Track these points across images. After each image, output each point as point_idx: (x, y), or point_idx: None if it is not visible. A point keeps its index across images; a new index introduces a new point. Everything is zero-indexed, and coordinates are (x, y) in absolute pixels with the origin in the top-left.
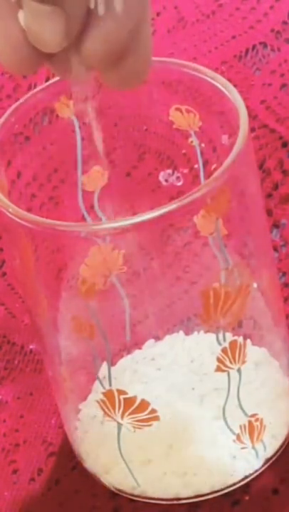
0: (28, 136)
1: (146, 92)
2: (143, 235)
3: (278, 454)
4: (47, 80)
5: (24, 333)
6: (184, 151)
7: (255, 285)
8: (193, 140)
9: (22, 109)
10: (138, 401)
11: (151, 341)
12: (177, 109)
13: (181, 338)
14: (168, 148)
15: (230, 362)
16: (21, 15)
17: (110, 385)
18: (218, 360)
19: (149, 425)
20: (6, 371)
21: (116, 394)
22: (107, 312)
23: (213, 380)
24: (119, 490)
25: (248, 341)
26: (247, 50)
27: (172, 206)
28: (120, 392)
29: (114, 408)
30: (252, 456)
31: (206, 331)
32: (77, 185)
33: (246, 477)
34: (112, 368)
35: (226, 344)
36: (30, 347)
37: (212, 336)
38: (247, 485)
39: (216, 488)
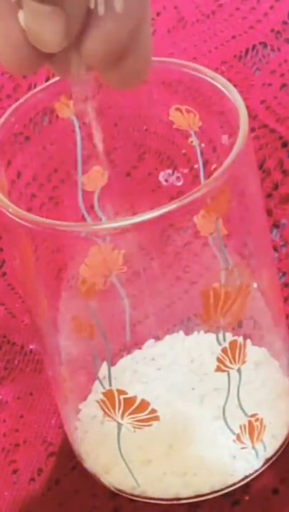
0: (28, 136)
1: (146, 92)
2: (143, 235)
3: (278, 454)
4: (47, 79)
5: (24, 333)
6: (184, 151)
7: (255, 285)
8: (193, 140)
9: (22, 109)
10: (138, 401)
11: (151, 341)
12: (177, 109)
13: (181, 338)
14: (168, 148)
15: (230, 362)
16: (21, 15)
17: (110, 385)
18: (218, 360)
19: (149, 425)
20: (6, 371)
21: (116, 394)
22: (107, 312)
23: (213, 380)
24: (119, 490)
25: (248, 341)
26: (247, 50)
27: (172, 206)
28: (120, 392)
29: (114, 408)
30: (252, 456)
31: (206, 331)
32: (77, 185)
33: (246, 477)
34: (112, 368)
35: (226, 344)
36: (30, 347)
37: (212, 336)
38: (247, 485)
39: (216, 488)
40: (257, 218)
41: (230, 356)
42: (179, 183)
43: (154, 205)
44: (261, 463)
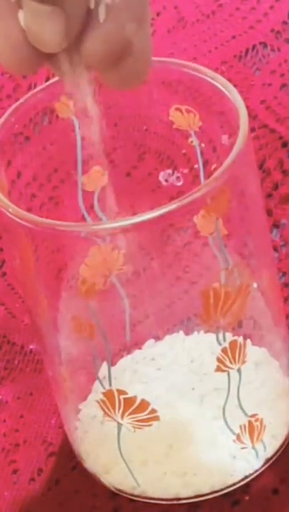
0: (28, 136)
1: (146, 92)
2: (143, 235)
3: (278, 454)
4: (47, 79)
5: (24, 333)
6: (184, 151)
7: (255, 285)
8: (193, 140)
9: (22, 109)
10: (138, 401)
11: (151, 341)
12: (177, 109)
13: (181, 338)
14: (168, 148)
15: (230, 362)
16: (21, 15)
17: (110, 385)
18: (218, 360)
19: (149, 425)
20: (6, 371)
21: (116, 394)
22: (107, 312)
23: (213, 380)
24: (119, 490)
25: (248, 341)
26: (247, 50)
27: (172, 206)
28: (120, 392)
29: (114, 408)
30: (252, 456)
31: (206, 331)
32: (77, 185)
33: (246, 477)
34: (112, 368)
35: (226, 344)
36: (30, 347)
37: (212, 336)
38: (247, 485)
39: (216, 488)
40: (257, 218)
41: (230, 356)
42: (179, 183)
43: (154, 205)
44: (261, 463)
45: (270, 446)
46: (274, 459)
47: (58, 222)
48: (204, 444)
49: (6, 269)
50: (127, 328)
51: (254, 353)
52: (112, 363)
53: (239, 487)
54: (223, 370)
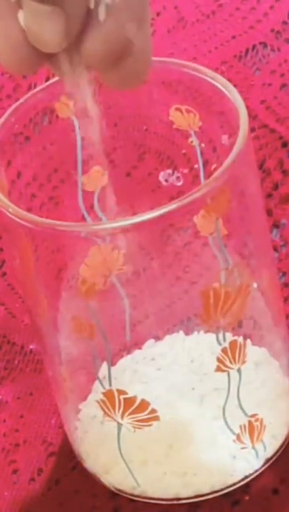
0: (28, 136)
1: (146, 92)
2: (143, 235)
3: (278, 454)
4: (47, 79)
5: (24, 333)
6: (184, 151)
7: (255, 285)
8: (193, 140)
9: (22, 109)
10: (138, 401)
11: (151, 341)
12: (177, 109)
13: (181, 338)
14: (168, 148)
15: (230, 362)
16: (21, 15)
17: (110, 385)
18: (218, 360)
19: (149, 425)
20: (6, 371)
21: (116, 394)
22: (107, 312)
23: (213, 380)
24: (119, 490)
25: (248, 341)
26: (247, 50)
27: (172, 206)
28: (120, 392)
29: (114, 408)
30: (252, 456)
31: (206, 331)
32: (77, 185)
33: (246, 477)
34: (112, 368)
35: (226, 344)
36: (30, 347)
37: (212, 336)
38: (247, 485)
39: (216, 488)
40: (257, 218)
41: (230, 356)
42: (179, 183)
43: (154, 205)
44: (261, 463)
45: (270, 446)
46: (274, 459)
47: (58, 222)
48: (204, 444)
49: (6, 269)
50: (127, 328)
51: (254, 353)
52: (112, 363)
53: (239, 487)
54: (223, 370)
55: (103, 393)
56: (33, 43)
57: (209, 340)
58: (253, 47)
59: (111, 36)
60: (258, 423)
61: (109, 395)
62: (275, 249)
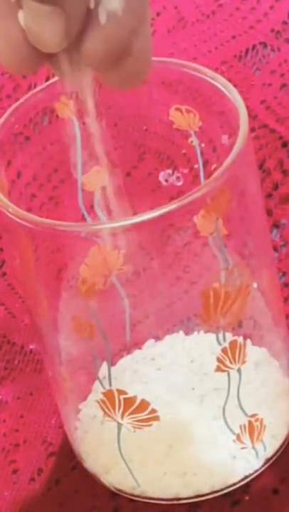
0: (28, 136)
1: (146, 92)
2: (143, 235)
3: (278, 454)
4: (47, 79)
5: (24, 333)
6: (184, 151)
7: (255, 285)
8: (193, 140)
9: (22, 109)
10: (138, 401)
11: (151, 341)
12: (177, 109)
13: (181, 338)
14: (168, 148)
15: (230, 362)
16: (21, 15)
17: (110, 385)
18: (218, 360)
19: (149, 425)
20: (6, 371)
21: (116, 394)
22: (107, 312)
23: (213, 380)
24: (119, 490)
25: (248, 341)
26: (247, 50)
27: (172, 206)
28: (120, 392)
29: (114, 408)
30: (252, 456)
31: (206, 331)
32: (77, 185)
33: (246, 477)
34: (112, 368)
35: (226, 344)
36: (30, 347)
37: (212, 336)
38: (247, 485)
39: (216, 488)
40: (257, 218)
41: (230, 356)
42: (179, 183)
43: (154, 205)
44: (261, 463)
45: (270, 446)
46: (274, 459)
47: (58, 222)
48: (204, 444)
49: (6, 269)
50: (127, 328)
51: (254, 353)
52: (112, 363)
53: (239, 487)
54: (223, 370)
55: (103, 393)
56: (33, 43)
57: (209, 340)
58: (253, 47)
59: (111, 36)
60: (258, 423)
61: (109, 395)
62: (275, 249)
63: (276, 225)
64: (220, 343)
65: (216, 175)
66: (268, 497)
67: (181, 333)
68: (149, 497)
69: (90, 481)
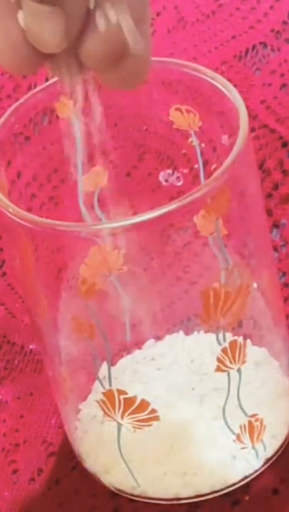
0: (28, 136)
1: (146, 92)
2: (143, 235)
3: (278, 454)
4: (47, 80)
5: (24, 333)
6: (184, 151)
7: (255, 285)
8: (193, 140)
9: (22, 109)
10: (138, 401)
11: (151, 341)
12: (177, 109)
13: (181, 338)
14: (168, 148)
15: (230, 362)
16: (21, 15)
17: (110, 385)
18: (218, 360)
19: (149, 425)
20: (6, 371)
21: (116, 394)
22: (107, 312)
23: (213, 380)
24: (119, 490)
25: (248, 341)
26: (247, 50)
27: (172, 206)
28: (120, 392)
29: (114, 408)
30: (252, 456)
31: (206, 331)
32: (77, 185)
33: (246, 477)
34: (112, 368)
35: (226, 344)
36: (30, 347)
37: (212, 336)
38: (247, 485)
39: (216, 488)
40: (257, 218)
41: (230, 356)
42: (179, 183)
43: (154, 205)
44: (261, 463)
45: (270, 446)
46: (274, 459)
47: (58, 222)
48: (204, 444)
49: (6, 269)
50: (127, 328)
51: (254, 353)
52: (112, 363)
53: (239, 487)
54: (223, 370)
55: (103, 393)
56: (32, 43)
57: (209, 340)
58: (253, 47)
59: (110, 37)
60: (258, 423)
61: (109, 395)
62: (275, 249)
63: (276, 225)
64: (220, 343)
65: (216, 175)
66: (268, 497)
67: (181, 333)
68: (149, 497)
69: (90, 481)
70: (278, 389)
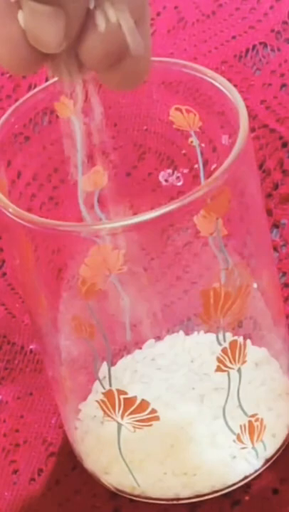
0: (28, 136)
1: (146, 92)
2: (143, 235)
3: (278, 454)
4: (47, 80)
5: (24, 333)
6: (183, 151)
7: (255, 285)
8: (193, 140)
9: (22, 109)
10: (138, 401)
11: (151, 341)
12: (177, 109)
13: (181, 338)
14: (168, 148)
15: (231, 362)
16: (21, 15)
17: (110, 385)
18: (218, 360)
19: (149, 425)
20: (6, 371)
21: (116, 394)
22: (107, 312)
23: (213, 380)
24: (119, 490)
25: (248, 341)
26: (247, 50)
27: (172, 206)
28: (120, 392)
29: (114, 408)
30: (252, 456)
31: (206, 331)
32: (77, 185)
33: (246, 477)
34: (112, 368)
35: (226, 344)
36: (30, 347)
37: (212, 336)
38: (247, 485)
39: (216, 488)
40: (257, 218)
41: (231, 356)
42: (179, 183)
43: (154, 205)
44: (261, 463)
45: (270, 446)
46: (274, 459)
47: (58, 222)
48: (204, 444)
49: (6, 269)
50: (127, 328)
51: (254, 353)
52: (112, 363)
53: (239, 487)
54: (223, 370)
55: (103, 393)
56: (32, 44)
57: (209, 340)
58: (253, 47)
59: (110, 37)
60: (258, 423)
61: (109, 395)
62: (275, 249)
63: (276, 225)
64: (220, 343)
65: (216, 175)
66: (268, 497)
67: (181, 333)
68: (149, 497)
69: (90, 481)
70: (278, 389)
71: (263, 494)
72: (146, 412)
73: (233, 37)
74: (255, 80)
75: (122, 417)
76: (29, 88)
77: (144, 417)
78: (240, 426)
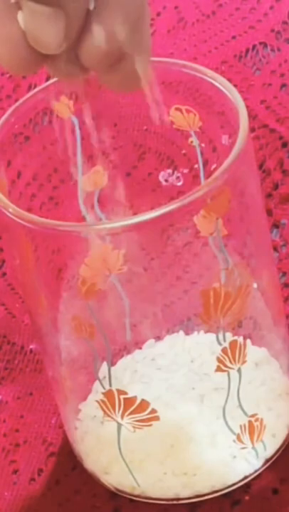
0: (28, 136)
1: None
2: (143, 235)
3: (278, 454)
4: (47, 79)
5: (24, 333)
6: (183, 151)
7: (255, 285)
8: (193, 140)
9: (22, 109)
10: (138, 401)
11: (151, 341)
12: (177, 109)
13: (181, 338)
14: (168, 148)
15: (231, 362)
16: (21, 16)
17: (110, 385)
18: (218, 360)
19: (149, 425)
20: (6, 371)
21: (116, 394)
22: (107, 312)
23: (213, 380)
24: (119, 490)
25: (248, 341)
26: (247, 50)
27: (172, 206)
28: (120, 392)
29: (114, 408)
30: (252, 456)
31: (206, 331)
32: (77, 185)
33: (246, 477)
34: (112, 368)
35: (226, 344)
36: (30, 347)
37: (212, 336)
38: (247, 485)
39: (216, 488)
40: (257, 218)
41: (231, 356)
42: (179, 183)
43: (154, 205)
44: (261, 463)
45: (270, 446)
46: (274, 459)
47: (58, 222)
48: (204, 444)
49: (6, 269)
50: (127, 328)
51: (254, 353)
52: (112, 363)
53: (239, 487)
54: (223, 370)
55: (103, 393)
56: (32, 45)
57: (209, 340)
58: (253, 47)
59: (110, 37)
60: (258, 423)
61: (109, 395)
62: (275, 249)
63: (276, 225)
64: (220, 343)
65: (216, 175)
66: (268, 497)
67: (181, 333)
68: (149, 497)
69: (90, 481)
70: (278, 389)
71: (262, 494)
72: (146, 412)
73: (233, 37)
74: (255, 79)
75: (122, 417)
76: (29, 88)
77: (144, 417)
78: (240, 426)
